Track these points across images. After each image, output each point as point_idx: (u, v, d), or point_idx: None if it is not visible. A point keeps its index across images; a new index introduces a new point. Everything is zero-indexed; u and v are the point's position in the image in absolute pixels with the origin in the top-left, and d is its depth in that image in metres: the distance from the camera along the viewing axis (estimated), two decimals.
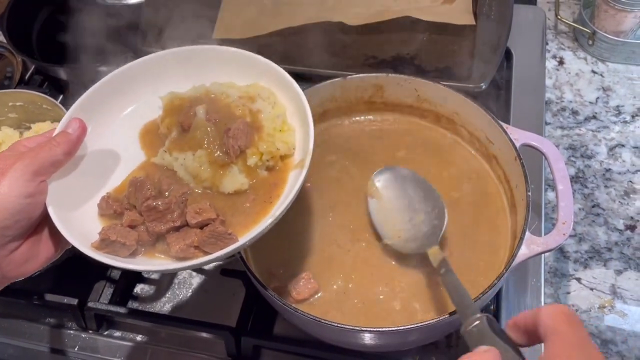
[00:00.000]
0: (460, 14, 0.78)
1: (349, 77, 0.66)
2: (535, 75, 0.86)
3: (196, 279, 0.74)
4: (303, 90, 0.65)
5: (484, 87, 0.70)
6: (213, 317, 0.70)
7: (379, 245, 0.60)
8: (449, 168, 0.66)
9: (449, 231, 0.61)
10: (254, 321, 0.67)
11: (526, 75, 0.86)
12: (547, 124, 0.82)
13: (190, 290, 0.73)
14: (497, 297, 0.67)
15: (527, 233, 0.52)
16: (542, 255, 0.69)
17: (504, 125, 0.59)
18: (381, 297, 0.57)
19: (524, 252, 0.51)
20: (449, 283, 0.51)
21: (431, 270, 0.57)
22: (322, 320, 0.50)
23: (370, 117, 0.71)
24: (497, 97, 0.84)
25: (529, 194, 0.54)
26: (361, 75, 0.66)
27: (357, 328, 0.50)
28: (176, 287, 0.74)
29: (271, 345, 0.64)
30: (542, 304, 0.66)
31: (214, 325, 0.65)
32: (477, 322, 0.42)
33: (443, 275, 0.52)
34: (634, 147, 0.78)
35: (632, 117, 0.81)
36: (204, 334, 0.68)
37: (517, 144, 0.58)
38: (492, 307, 0.66)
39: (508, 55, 0.89)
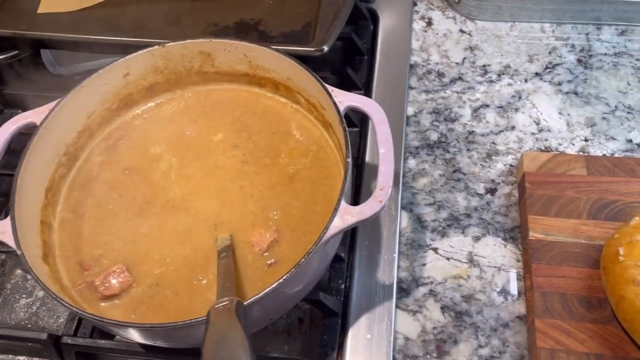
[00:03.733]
0: None
1: (167, 44, 0.59)
2: (401, 38, 0.81)
3: (31, 282, 0.67)
4: (115, 61, 0.59)
5: (326, 49, 0.64)
6: (47, 322, 0.63)
7: (199, 233, 0.55)
8: (288, 140, 0.61)
9: (280, 212, 0.56)
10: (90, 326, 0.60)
11: (392, 39, 0.81)
12: (411, 88, 0.77)
13: (24, 295, 0.66)
14: (351, 274, 0.63)
15: (343, 203, 0.47)
16: (397, 227, 0.65)
17: (330, 88, 0.54)
18: (198, 286, 0.51)
19: (337, 224, 0.46)
20: (222, 267, 0.49)
21: (249, 260, 0.52)
22: (102, 319, 0.43)
23: (206, 88, 0.64)
24: (361, 62, 0.79)
25: (348, 160, 0.49)
26: (181, 42, 0.59)
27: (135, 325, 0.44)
28: (8, 292, 0.66)
29: (92, 350, 0.57)
30: (395, 278, 0.61)
31: (32, 334, 0.58)
32: (227, 302, 0.42)
33: (221, 259, 0.50)
34: (499, 107, 0.74)
35: (498, 75, 0.77)
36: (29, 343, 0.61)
37: (342, 107, 0.53)
38: (343, 286, 0.62)
39: (374, 18, 0.84)
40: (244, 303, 0.43)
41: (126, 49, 0.67)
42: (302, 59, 0.63)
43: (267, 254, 0.53)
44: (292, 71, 0.58)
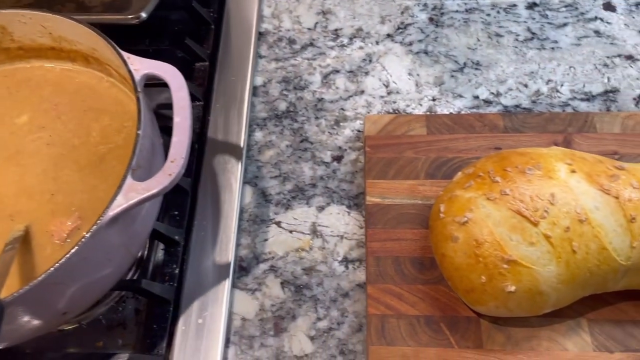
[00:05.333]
0: None
1: None
2: (251, 5, 0.77)
3: None
4: None
5: (144, 16, 0.59)
6: None
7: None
8: (102, 118, 0.56)
9: (86, 195, 0.51)
10: None
11: (242, 7, 0.77)
12: (261, 57, 0.73)
13: None
14: (187, 258, 0.59)
15: (128, 180, 0.43)
16: (237, 204, 0.61)
17: (126, 55, 0.49)
18: None
19: (119, 202, 0.42)
20: (2, 260, 0.43)
21: (47, 252, 0.47)
22: None
23: (13, 67, 0.58)
24: (207, 32, 0.75)
25: (139, 132, 0.45)
26: None
27: None
28: None
29: None
30: (231, 257, 0.58)
31: None
32: None
33: (4, 252, 0.44)
34: (349, 72, 0.72)
35: (350, 39, 0.74)
36: None
37: (138, 75, 0.48)
38: (178, 270, 0.58)
39: None
40: (6, 300, 0.38)
41: None
42: (122, 29, 0.58)
43: (69, 241, 0.49)
44: (93, 40, 0.53)
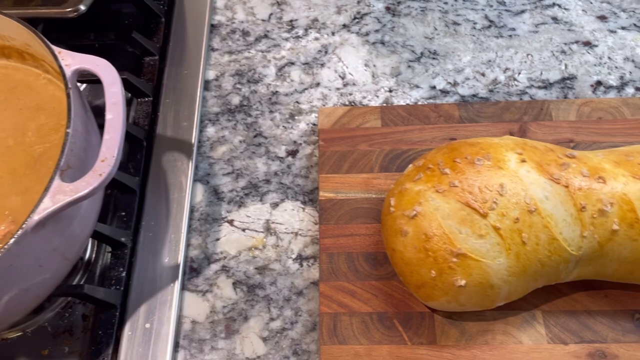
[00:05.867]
0: None
1: None
2: None
3: None
4: None
5: (83, 9, 0.56)
6: None
7: None
8: (38, 116, 0.53)
9: (20, 198, 0.49)
10: None
11: None
12: (214, 50, 0.71)
13: None
14: (135, 260, 0.57)
15: (56, 181, 0.41)
16: (187, 202, 0.59)
17: (57, 49, 0.47)
18: None
19: (46, 206, 0.40)
20: None
21: None
22: None
23: None
24: (156, 26, 0.72)
25: (68, 130, 0.43)
26: None
27: None
28: None
29: None
30: (181, 258, 0.56)
31: None
32: None
33: None
34: (304, 64, 0.70)
35: (305, 30, 0.72)
36: None
37: (69, 71, 0.46)
38: (125, 274, 0.56)
39: None
40: None
41: None
42: (67, 23, 0.56)
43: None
44: (24, 35, 0.50)
